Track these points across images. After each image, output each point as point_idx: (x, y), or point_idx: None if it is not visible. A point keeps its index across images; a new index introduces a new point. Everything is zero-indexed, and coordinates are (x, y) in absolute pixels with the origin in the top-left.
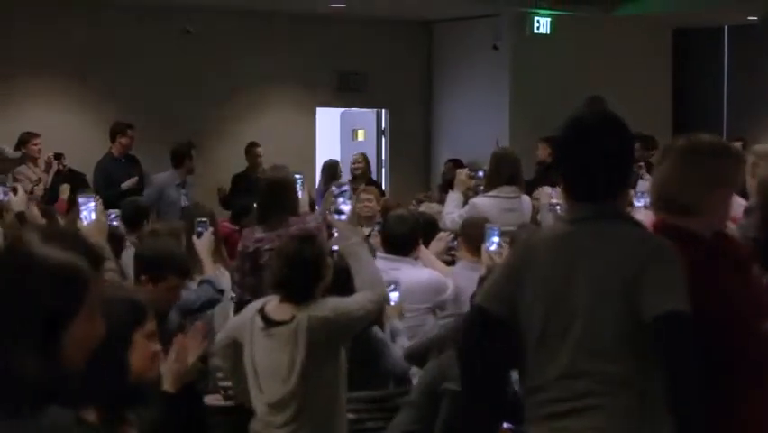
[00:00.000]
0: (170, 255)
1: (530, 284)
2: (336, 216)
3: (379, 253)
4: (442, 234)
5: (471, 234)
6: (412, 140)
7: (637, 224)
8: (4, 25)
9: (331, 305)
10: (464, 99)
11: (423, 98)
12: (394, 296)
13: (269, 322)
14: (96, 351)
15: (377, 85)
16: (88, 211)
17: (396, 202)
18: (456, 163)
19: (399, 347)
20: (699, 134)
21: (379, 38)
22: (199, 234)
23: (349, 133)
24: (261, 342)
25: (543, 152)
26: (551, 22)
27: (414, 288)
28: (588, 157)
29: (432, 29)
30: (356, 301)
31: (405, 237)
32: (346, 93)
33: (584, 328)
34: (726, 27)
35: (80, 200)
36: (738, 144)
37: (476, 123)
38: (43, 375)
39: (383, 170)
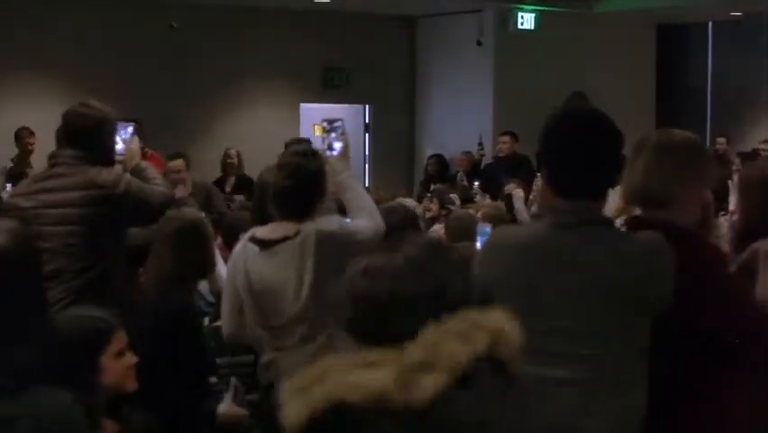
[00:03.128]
0: None
1: (505, 288)
2: (328, 153)
3: None
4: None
5: (456, 227)
6: (395, 135)
7: (620, 230)
8: None
9: (336, 222)
10: (448, 95)
11: (406, 94)
12: None
13: (267, 243)
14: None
15: (361, 81)
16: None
17: (390, 195)
18: (439, 158)
19: None
20: (672, 130)
21: (363, 34)
22: None
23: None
24: (260, 266)
25: (504, 146)
26: (535, 17)
27: None
28: (576, 152)
29: (416, 24)
30: (357, 225)
31: (396, 228)
32: (330, 89)
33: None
34: (710, 23)
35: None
36: (722, 140)
37: (459, 118)
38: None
39: (366, 165)
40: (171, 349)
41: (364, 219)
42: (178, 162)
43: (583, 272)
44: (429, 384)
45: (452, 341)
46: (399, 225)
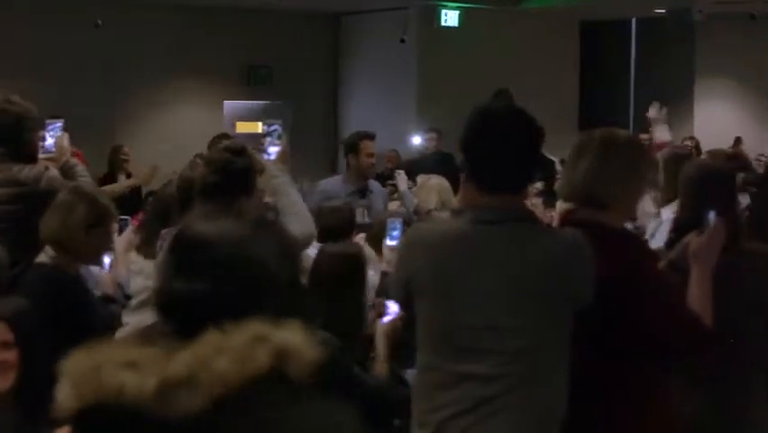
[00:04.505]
0: None
1: (425, 287)
2: (265, 156)
3: (314, 243)
4: None
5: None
6: (319, 132)
7: (543, 225)
8: None
9: None
10: (371, 92)
11: (330, 91)
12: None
13: None
14: None
15: (284, 78)
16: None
17: None
18: None
19: None
20: (615, 129)
21: (288, 31)
22: (120, 231)
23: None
24: None
25: (430, 143)
26: (459, 14)
27: None
28: (496, 148)
29: (339, 22)
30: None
31: (337, 228)
32: (254, 86)
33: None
34: (633, 20)
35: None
36: (646, 137)
37: (383, 116)
38: None
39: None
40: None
41: (295, 224)
42: None
43: (503, 268)
44: (188, 402)
45: (225, 359)
46: (343, 225)
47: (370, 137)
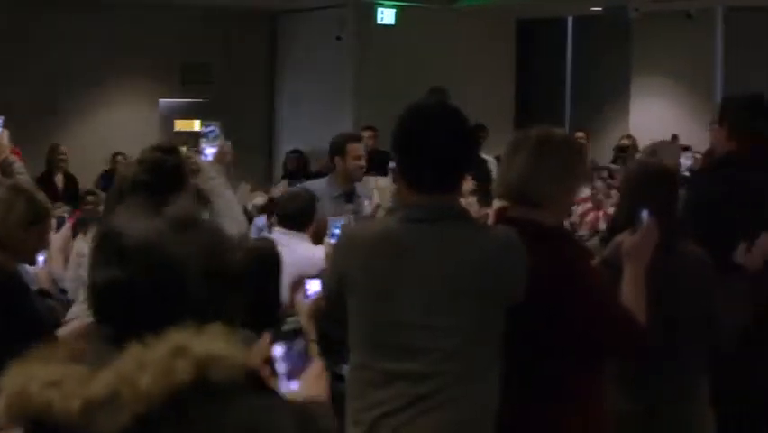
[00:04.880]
0: None
1: (357, 285)
2: (202, 158)
3: (275, 229)
4: None
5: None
6: (256, 130)
7: (477, 223)
8: None
9: None
10: (308, 90)
11: (267, 89)
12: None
13: None
14: None
15: (220, 76)
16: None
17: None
18: (299, 155)
19: None
20: (550, 128)
21: (224, 29)
22: (57, 228)
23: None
24: None
25: (369, 141)
26: (395, 12)
27: (305, 264)
28: (426, 146)
29: (276, 20)
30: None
31: (298, 213)
32: (189, 85)
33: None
34: (570, 18)
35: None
36: (581, 135)
37: (320, 114)
38: None
39: None
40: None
41: (229, 225)
42: None
43: (434, 267)
44: (112, 421)
45: (147, 375)
46: (303, 210)
47: (357, 139)
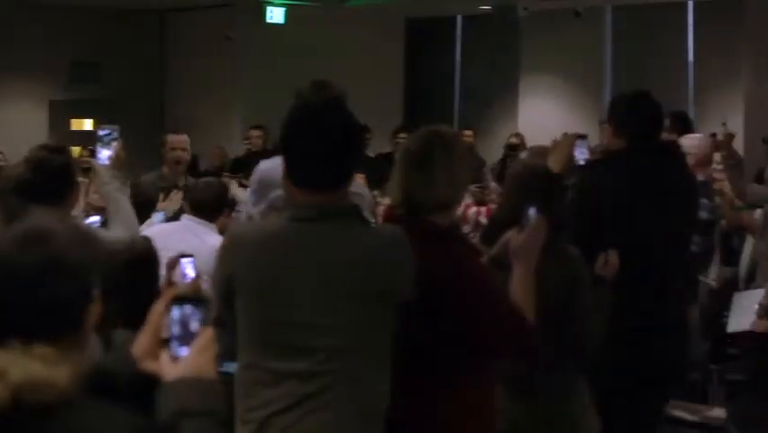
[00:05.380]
0: None
1: (244, 285)
2: (99, 162)
3: (185, 216)
4: None
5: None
6: (146, 130)
7: (365, 221)
8: None
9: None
10: (197, 90)
11: (157, 88)
12: (190, 272)
13: None
14: None
15: (111, 75)
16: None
17: None
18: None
19: None
20: (441, 128)
21: (114, 27)
22: None
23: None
24: None
25: (256, 140)
26: (285, 12)
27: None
28: (311, 144)
29: (165, 19)
30: (109, 234)
31: (210, 203)
32: (78, 84)
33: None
34: (459, 17)
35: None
36: (469, 133)
37: (210, 113)
38: None
39: None
40: None
41: (119, 229)
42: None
43: (320, 266)
44: None
45: None
46: (215, 201)
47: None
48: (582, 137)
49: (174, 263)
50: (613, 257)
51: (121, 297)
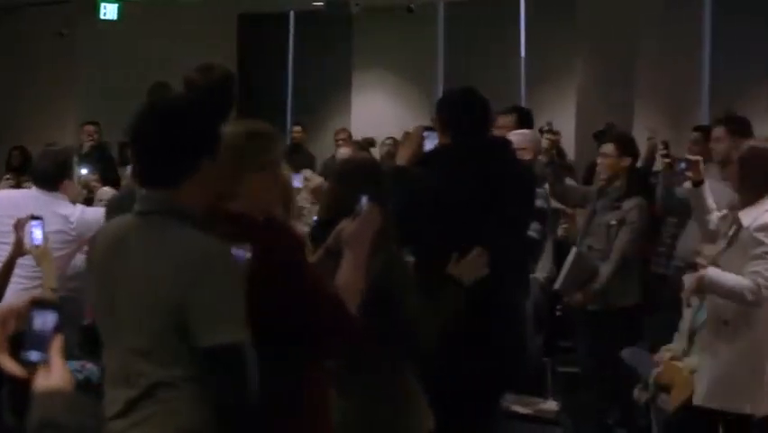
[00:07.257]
0: None
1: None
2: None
3: (33, 187)
4: None
5: None
6: None
7: (194, 224)
8: None
9: None
10: (30, 86)
11: None
12: (38, 234)
13: None
14: None
15: None
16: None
17: None
18: (23, 151)
19: None
20: (255, 123)
21: None
22: None
23: None
24: None
25: (92, 135)
26: (118, 8)
27: (82, 227)
28: (146, 141)
29: None
30: None
31: (50, 172)
32: None
33: (131, 338)
34: (291, 12)
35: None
36: (298, 128)
37: (43, 109)
38: None
39: None
40: None
41: None
42: None
43: (135, 264)
44: None
45: None
46: (56, 169)
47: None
48: (431, 129)
49: (24, 223)
50: (473, 255)
51: None
